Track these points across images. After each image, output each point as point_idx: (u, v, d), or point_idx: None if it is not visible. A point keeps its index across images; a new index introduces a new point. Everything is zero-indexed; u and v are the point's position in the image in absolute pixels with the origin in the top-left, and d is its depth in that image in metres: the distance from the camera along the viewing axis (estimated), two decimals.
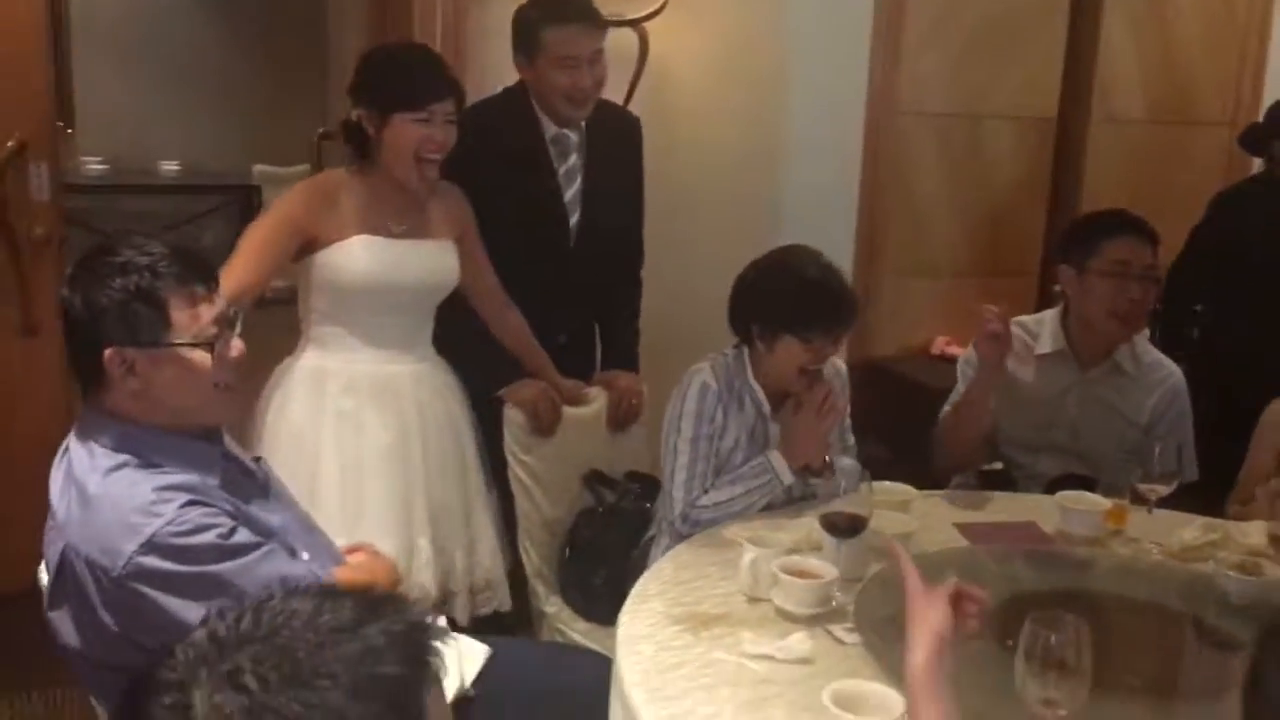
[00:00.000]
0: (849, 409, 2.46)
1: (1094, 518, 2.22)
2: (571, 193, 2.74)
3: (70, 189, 6.09)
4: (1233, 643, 1.84)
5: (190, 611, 1.49)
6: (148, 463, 1.59)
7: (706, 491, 2.25)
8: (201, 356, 1.65)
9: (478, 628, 2.42)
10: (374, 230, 2.33)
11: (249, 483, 1.76)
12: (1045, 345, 2.69)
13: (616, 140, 2.82)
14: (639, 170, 2.91)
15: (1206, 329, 3.43)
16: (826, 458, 2.27)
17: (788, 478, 2.25)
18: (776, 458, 2.25)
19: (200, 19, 6.87)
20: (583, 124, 2.74)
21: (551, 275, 2.71)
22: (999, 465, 2.81)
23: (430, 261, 2.40)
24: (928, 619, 1.33)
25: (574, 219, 2.74)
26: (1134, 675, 1.83)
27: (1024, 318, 2.84)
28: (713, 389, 2.29)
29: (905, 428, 3.21)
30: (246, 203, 6.91)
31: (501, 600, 2.54)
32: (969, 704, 1.53)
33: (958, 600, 1.37)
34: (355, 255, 2.31)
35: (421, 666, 0.99)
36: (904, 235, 3.92)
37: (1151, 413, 2.65)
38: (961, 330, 3.52)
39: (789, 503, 2.32)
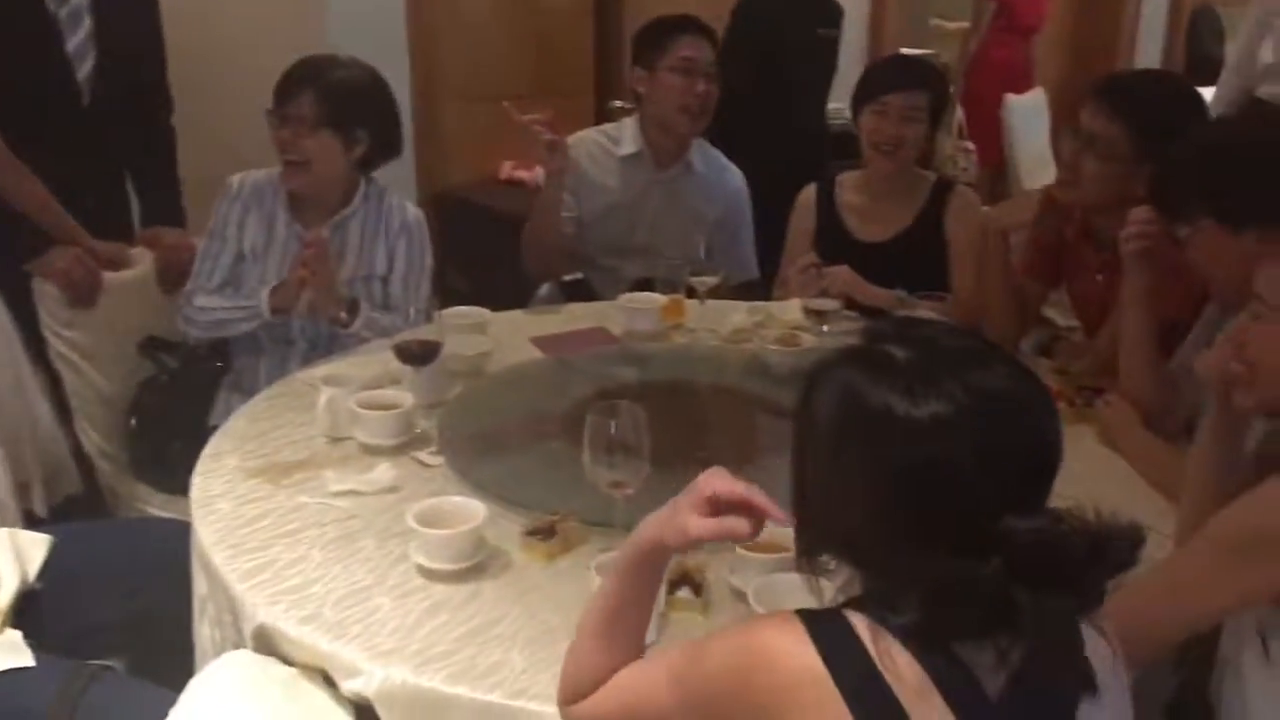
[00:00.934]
0: (424, 267, 2.43)
1: (653, 314, 2.37)
2: (79, 39, 2.43)
3: None
4: (778, 409, 2.03)
5: None
6: None
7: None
8: None
9: (58, 517, 2.23)
10: None
11: None
12: (626, 147, 2.83)
13: None
14: (155, 7, 2.64)
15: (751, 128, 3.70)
16: (341, 313, 2.26)
17: (266, 313, 2.26)
18: (264, 291, 2.26)
19: None
20: None
21: (65, 132, 2.42)
22: (579, 275, 2.92)
23: None
24: (690, 516, 1.11)
25: (86, 68, 2.44)
26: (700, 449, 2.00)
27: (606, 125, 2.96)
28: (233, 189, 2.35)
29: (483, 255, 3.24)
30: None
31: (73, 483, 2.34)
32: (552, 500, 1.62)
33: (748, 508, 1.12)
34: None
35: None
36: (459, 59, 3.86)
37: (722, 210, 2.88)
38: (528, 153, 3.55)
39: (314, 352, 2.32)
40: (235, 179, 2.36)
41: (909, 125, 2.53)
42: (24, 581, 1.70)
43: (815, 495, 1.06)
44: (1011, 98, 5.08)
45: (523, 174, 3.94)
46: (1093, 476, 1.60)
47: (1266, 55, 3.50)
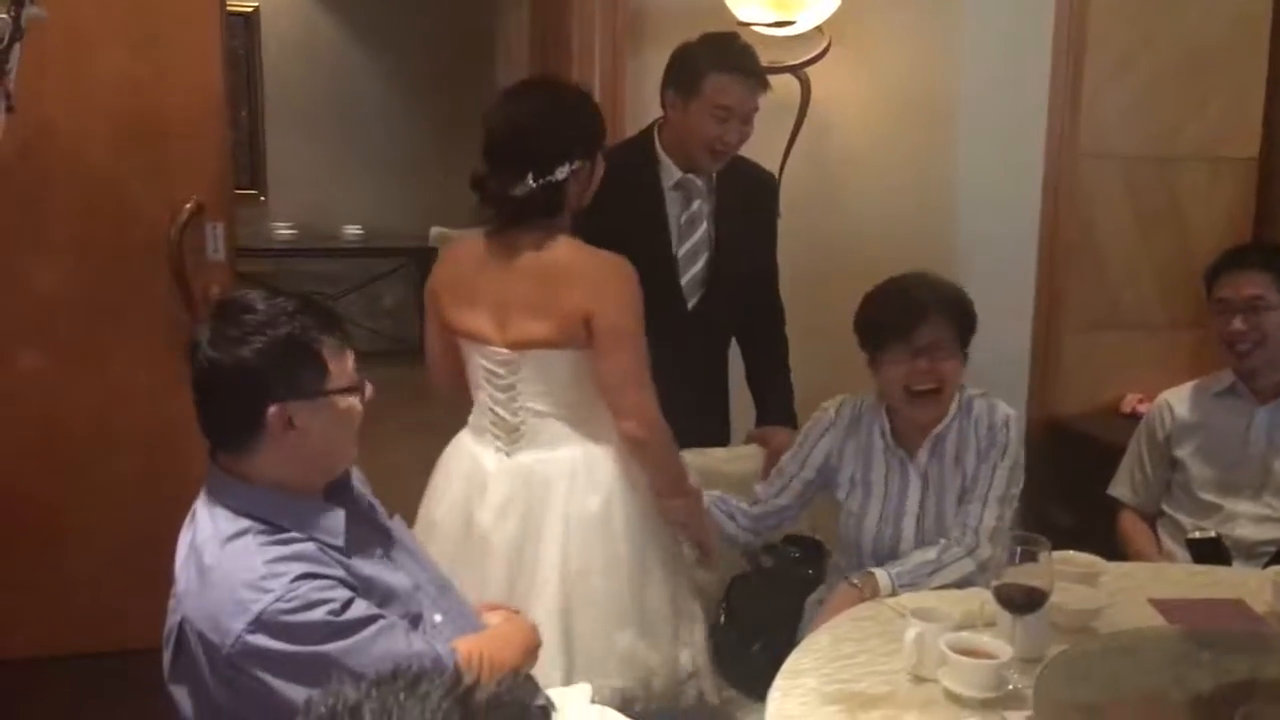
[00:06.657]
0: None
1: None
2: (693, 241, 2.63)
3: (259, 253, 6.42)
4: None
5: (298, 694, 1.41)
6: (273, 527, 1.55)
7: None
8: (353, 403, 1.64)
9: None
10: None
11: (376, 538, 1.71)
12: (1223, 380, 2.71)
13: (749, 193, 2.71)
14: (772, 225, 2.80)
15: None
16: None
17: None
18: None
19: (382, 86, 7.08)
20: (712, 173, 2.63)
21: (667, 325, 2.45)
22: (1212, 533, 2.58)
23: None
24: None
25: (694, 270, 2.63)
26: None
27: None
28: (828, 415, 2.40)
29: (1092, 492, 2.98)
30: (424, 264, 7.06)
31: (705, 688, 2.27)
32: None
33: None
34: None
35: None
36: (1089, 285, 3.67)
37: None
38: (1154, 386, 3.23)
39: None
40: (831, 405, 2.39)
41: None
42: None
43: None
44: None
45: (1146, 408, 3.60)
46: None
47: None
